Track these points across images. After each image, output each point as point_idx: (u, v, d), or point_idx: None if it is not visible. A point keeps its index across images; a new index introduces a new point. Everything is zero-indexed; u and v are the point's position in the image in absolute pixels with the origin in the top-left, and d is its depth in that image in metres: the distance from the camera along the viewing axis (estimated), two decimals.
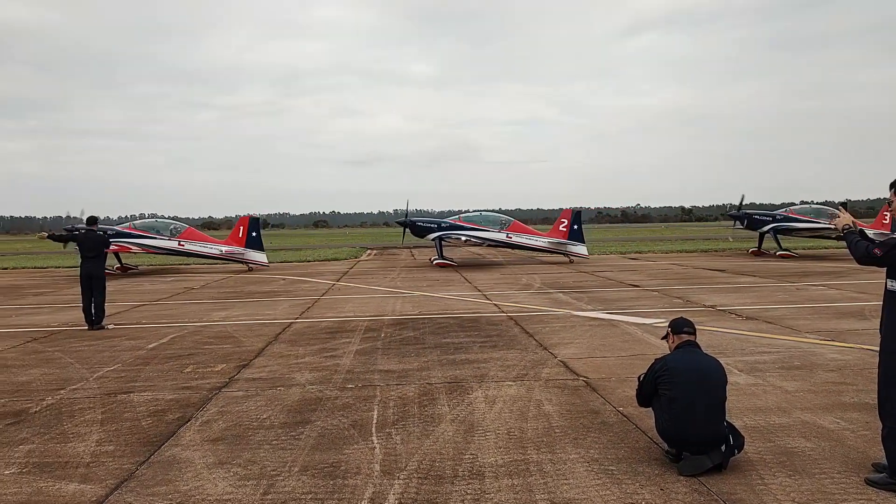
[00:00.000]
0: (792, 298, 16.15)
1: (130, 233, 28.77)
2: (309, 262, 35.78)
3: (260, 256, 29.62)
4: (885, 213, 32.52)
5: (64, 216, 32.08)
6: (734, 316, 13.39)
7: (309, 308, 16.08)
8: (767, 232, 32.79)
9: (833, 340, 10.56)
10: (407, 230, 30.90)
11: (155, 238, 29.00)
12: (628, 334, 11.55)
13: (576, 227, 30.57)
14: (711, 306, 14.84)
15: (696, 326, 6.04)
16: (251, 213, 30.53)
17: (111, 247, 16.58)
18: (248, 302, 17.84)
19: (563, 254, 30.89)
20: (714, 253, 36.28)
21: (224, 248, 29.55)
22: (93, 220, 14.75)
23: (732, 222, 34.75)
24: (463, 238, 30.27)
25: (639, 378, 5.90)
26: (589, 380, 8.36)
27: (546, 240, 31.06)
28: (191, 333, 12.59)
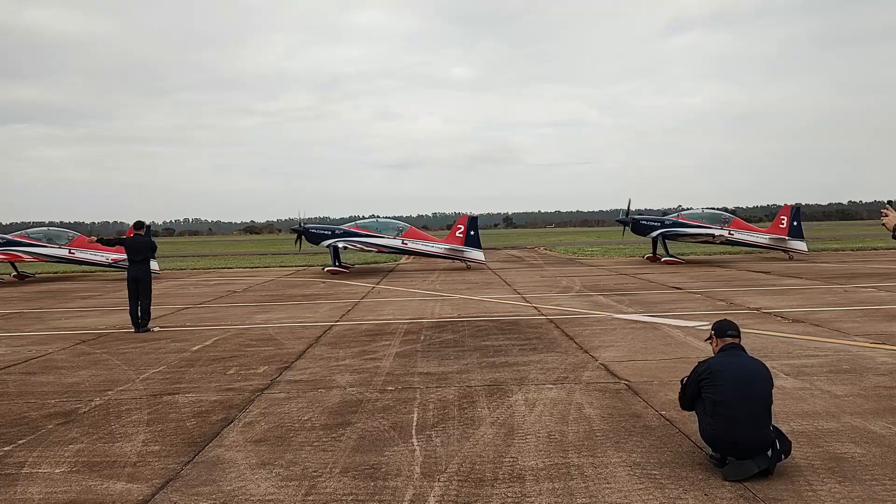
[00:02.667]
0: (840, 301, 15.75)
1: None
2: (352, 264, 36.03)
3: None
4: (781, 217, 31.68)
5: (192, 219, 33.05)
6: (780, 319, 13.11)
7: (349, 311, 16.20)
8: (657, 237, 31.54)
9: (884, 344, 10.27)
10: (302, 237, 30.41)
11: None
12: (670, 337, 11.39)
13: (472, 233, 30.26)
14: (756, 309, 14.56)
15: (741, 329, 5.93)
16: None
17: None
18: (289, 305, 18.04)
19: (461, 260, 30.48)
20: (759, 255, 35.58)
21: (445, 246, 30.36)
22: (140, 225, 15.08)
23: (622, 228, 33.53)
24: (357, 246, 29.71)
25: (682, 381, 5.82)
26: (630, 383, 8.26)
27: (443, 246, 30.72)
28: (234, 336, 12.77)
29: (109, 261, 30.04)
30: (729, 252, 35.22)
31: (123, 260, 29.50)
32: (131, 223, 15.23)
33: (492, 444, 6.13)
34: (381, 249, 30.97)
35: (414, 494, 5.05)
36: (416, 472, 5.49)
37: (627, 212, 33.02)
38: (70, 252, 30.14)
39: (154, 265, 29.35)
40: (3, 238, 29.61)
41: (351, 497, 5.03)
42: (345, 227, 31.10)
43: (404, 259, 34.71)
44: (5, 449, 6.35)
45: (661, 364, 9.31)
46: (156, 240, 16.88)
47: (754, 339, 10.65)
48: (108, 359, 10.77)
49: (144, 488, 5.32)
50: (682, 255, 33.07)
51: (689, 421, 6.22)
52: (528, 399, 7.62)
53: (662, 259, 30.47)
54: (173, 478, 5.53)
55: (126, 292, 14.12)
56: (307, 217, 32.53)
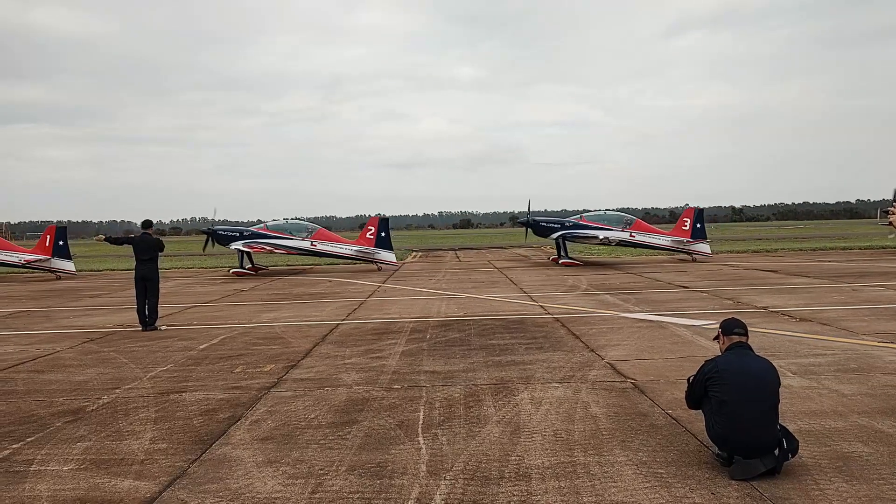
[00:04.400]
0: (848, 299, 15.68)
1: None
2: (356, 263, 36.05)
3: (389, 256, 29.94)
4: (684, 219, 31.40)
5: (199, 218, 33.07)
6: (787, 317, 13.07)
7: (355, 310, 16.22)
8: (558, 238, 31.12)
9: (892, 343, 10.22)
10: (211, 239, 30.24)
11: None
12: (677, 336, 11.36)
13: (383, 234, 30.13)
14: (763, 307, 14.52)
15: (748, 328, 5.91)
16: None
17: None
18: (295, 303, 18.08)
19: (371, 262, 30.30)
20: (766, 254, 35.48)
21: (355, 248, 30.15)
22: (147, 224, 15.12)
23: (524, 230, 33.19)
24: (265, 248, 29.38)
25: (688, 380, 5.81)
26: (637, 382, 8.25)
27: (353, 248, 30.52)
28: (240, 334, 12.81)
29: (22, 262, 30.22)
30: (639, 254, 34.74)
31: (37, 261, 29.78)
32: (139, 222, 15.27)
33: (498, 443, 6.13)
34: (290, 251, 30.50)
35: (420, 492, 5.05)
36: (423, 471, 5.49)
37: (528, 213, 32.59)
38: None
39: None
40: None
41: (357, 495, 5.04)
42: (254, 228, 30.74)
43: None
44: (14, 447, 6.38)
45: (668, 363, 9.29)
46: (164, 238, 16.91)
47: (761, 337, 10.62)
48: (116, 357, 10.81)
49: (152, 486, 5.34)
50: (587, 256, 32.71)
51: (696, 420, 6.21)
52: (534, 398, 7.62)
53: (560, 262, 30.13)
54: (180, 475, 5.55)
55: (133, 291, 14.16)
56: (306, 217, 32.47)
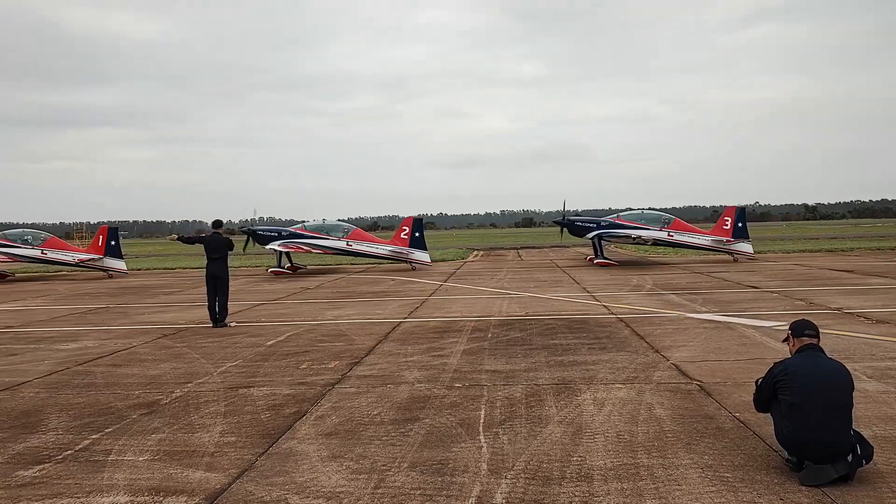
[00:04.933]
0: None
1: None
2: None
3: (423, 256, 30.24)
4: (725, 218, 30.08)
5: (247, 218, 33.85)
6: (863, 319, 12.59)
7: (417, 308, 16.35)
8: (594, 238, 30.26)
9: None
10: (250, 239, 30.40)
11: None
12: (745, 337, 11.08)
13: (417, 234, 29.84)
14: (837, 309, 14.02)
15: (821, 330, 5.74)
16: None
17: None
18: (359, 302, 18.34)
19: (406, 261, 30.08)
20: (841, 253, 34.21)
21: (389, 248, 30.51)
22: (218, 224, 15.57)
23: (560, 230, 32.64)
24: (302, 248, 29.46)
25: (756, 382, 5.67)
26: (703, 384, 8.09)
27: (388, 248, 30.30)
28: (306, 331, 13.07)
29: (76, 261, 31.25)
30: (676, 254, 33.97)
31: (90, 260, 30.73)
32: (210, 222, 15.73)
33: (559, 443, 6.10)
34: (326, 251, 30.77)
35: (481, 491, 5.08)
36: (484, 469, 5.52)
37: (563, 213, 32.24)
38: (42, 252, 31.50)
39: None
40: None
41: (419, 491, 5.10)
42: (292, 228, 31.09)
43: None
44: (93, 437, 6.68)
45: (736, 365, 9.08)
46: (233, 237, 17.37)
47: (835, 340, 10.26)
48: (188, 352, 11.18)
49: (221, 477, 5.52)
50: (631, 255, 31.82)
51: (765, 423, 6.05)
52: (596, 398, 7.55)
53: (595, 261, 29.57)
54: (248, 468, 5.72)
55: (205, 289, 14.61)
56: (324, 218, 32.65)
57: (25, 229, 35.56)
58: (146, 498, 5.13)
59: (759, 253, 35.55)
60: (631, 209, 32.74)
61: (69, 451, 6.26)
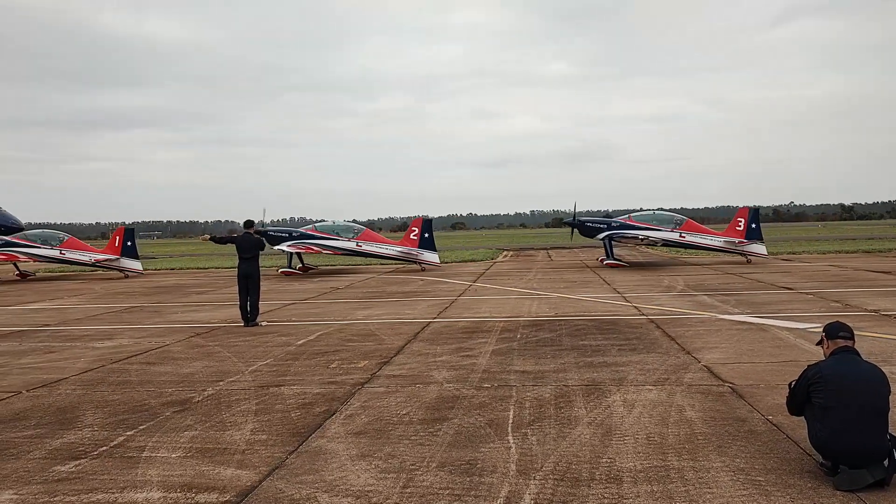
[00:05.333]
0: None
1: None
2: (447, 263, 36.38)
3: (432, 257, 30.36)
4: (738, 219, 29.45)
5: (297, 217, 34.65)
6: None
7: (446, 308, 16.37)
8: (604, 239, 29.93)
9: None
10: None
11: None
12: (779, 339, 10.92)
13: (426, 235, 29.70)
14: (874, 311, 13.74)
15: (856, 332, 5.63)
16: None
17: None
18: (388, 302, 18.41)
19: (415, 262, 29.99)
20: (878, 254, 33.52)
21: (398, 249, 30.65)
22: (249, 224, 15.76)
23: (570, 231, 32.35)
24: (312, 248, 29.45)
25: (790, 385, 5.58)
26: (735, 386, 7.99)
27: (397, 248, 30.20)
28: (336, 331, 13.16)
29: (93, 261, 31.70)
30: (708, 255, 33.38)
31: (107, 260, 31.09)
32: (241, 222, 15.92)
33: (589, 444, 6.07)
34: (336, 252, 30.77)
35: (510, 491, 5.07)
36: (512, 470, 5.51)
37: (574, 214, 32.10)
38: (61, 252, 32.12)
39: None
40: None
41: (447, 491, 5.11)
42: (302, 229, 31.20)
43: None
44: (128, 433, 6.80)
45: (769, 367, 8.95)
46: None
47: (871, 342, 10.07)
48: (220, 351, 11.33)
49: (252, 475, 5.59)
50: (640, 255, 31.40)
51: (799, 426, 5.96)
52: (626, 400, 7.50)
53: (604, 262, 29.38)
54: (279, 466, 5.78)
55: (236, 288, 14.78)
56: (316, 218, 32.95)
57: (45, 230, 36.30)
58: (178, 494, 5.21)
59: (793, 254, 35.03)
60: (643, 209, 32.66)
61: (104, 448, 6.38)
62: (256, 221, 32.93)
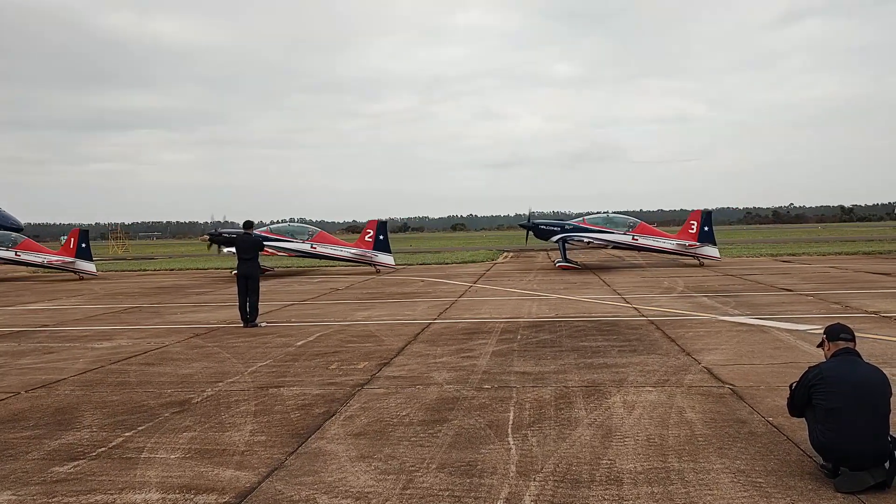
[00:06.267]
0: None
1: None
2: (447, 264, 36.38)
3: (387, 259, 30.36)
4: (690, 221, 29.60)
5: (297, 218, 34.51)
6: None
7: (447, 309, 16.36)
8: (558, 241, 30.16)
9: None
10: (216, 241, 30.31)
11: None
12: (779, 341, 10.90)
13: (381, 237, 29.75)
14: (875, 312, 13.73)
15: (857, 334, 5.62)
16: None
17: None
18: (388, 303, 18.40)
19: (370, 264, 29.99)
20: (879, 256, 33.52)
21: (353, 251, 30.56)
22: (249, 225, 15.76)
23: (525, 233, 32.66)
24: (269, 251, 28.90)
25: (790, 387, 5.57)
26: (735, 387, 7.97)
27: (352, 250, 30.19)
28: (336, 332, 13.15)
29: (46, 262, 31.44)
30: (645, 258, 33.62)
31: (61, 262, 30.81)
32: (241, 223, 15.91)
33: (589, 446, 6.06)
34: (291, 253, 30.61)
35: (509, 493, 5.06)
36: (512, 471, 5.50)
37: (529, 217, 32.46)
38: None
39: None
40: None
41: (447, 493, 5.10)
42: (257, 231, 30.89)
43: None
44: (126, 434, 6.78)
45: (769, 368, 8.93)
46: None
47: (872, 344, 10.05)
48: (219, 352, 11.31)
49: (251, 476, 5.57)
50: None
51: (799, 428, 5.95)
52: (626, 401, 7.48)
53: (557, 264, 29.53)
54: (278, 467, 5.76)
55: (236, 289, 14.76)
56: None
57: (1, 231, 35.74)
58: (177, 495, 5.19)
59: (793, 255, 35.04)
60: (596, 212, 33.00)
61: (103, 448, 6.36)
62: (211, 221, 33.00)
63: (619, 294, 18.82)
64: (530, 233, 31.96)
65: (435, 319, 14.60)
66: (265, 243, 29.37)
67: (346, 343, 11.84)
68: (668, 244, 30.31)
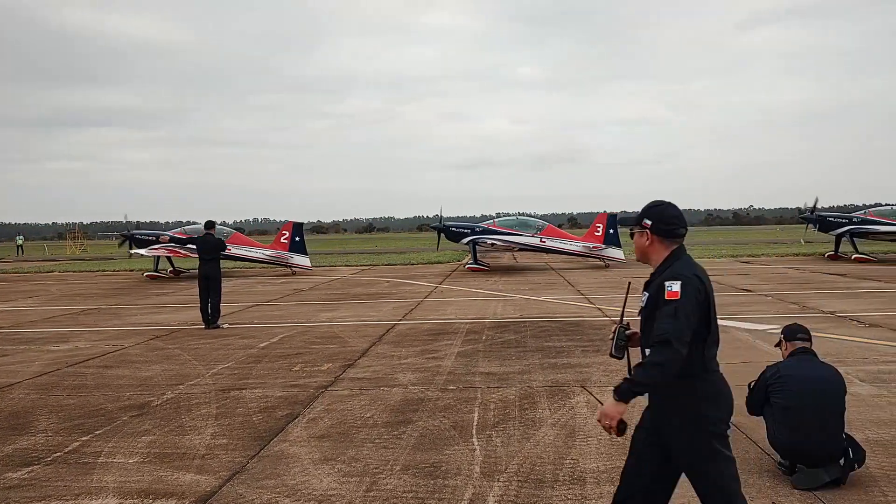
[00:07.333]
0: None
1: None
2: (413, 264, 36.30)
3: (303, 260, 30.34)
4: (596, 224, 30.54)
5: (261, 219, 34.13)
6: (856, 323, 12.61)
7: (412, 310, 16.32)
8: (468, 243, 30.83)
9: None
10: (130, 242, 30.49)
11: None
12: (738, 341, 11.09)
13: (297, 238, 30.01)
14: (830, 312, 14.04)
15: (814, 333, 5.74)
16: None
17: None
18: (353, 304, 18.30)
19: (286, 265, 30.23)
20: (863, 256, 34.23)
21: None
22: (210, 225, 15.53)
23: (437, 235, 33.00)
24: (180, 252, 28.99)
25: (749, 385, 5.66)
26: None
27: (268, 252, 30.36)
28: (299, 333, 13.03)
29: (268, 256, 30.91)
30: (555, 260, 33.93)
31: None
32: (202, 223, 15.70)
33: (552, 446, 6.09)
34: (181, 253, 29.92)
35: (473, 494, 5.06)
36: (476, 472, 5.50)
37: (440, 219, 32.83)
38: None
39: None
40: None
41: (411, 494, 5.08)
42: (170, 232, 30.98)
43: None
44: (83, 439, 6.64)
45: (729, 367, 9.01)
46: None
47: (828, 343, 10.27)
48: (180, 354, 11.13)
49: (212, 480, 5.49)
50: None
51: (757, 426, 6.04)
52: (590, 401, 7.54)
53: (468, 266, 29.99)
54: (240, 471, 5.68)
55: (197, 290, 14.55)
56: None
57: None
58: (136, 500, 5.09)
59: (752, 257, 35.66)
60: (479, 214, 33.46)
61: (58, 453, 6.22)
62: (125, 221, 32.58)
63: (582, 295, 18.97)
64: (442, 235, 32.05)
65: (400, 320, 14.56)
66: (176, 245, 29.19)
67: (310, 344, 11.74)
68: (575, 246, 30.87)
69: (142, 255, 29.33)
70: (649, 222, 3.64)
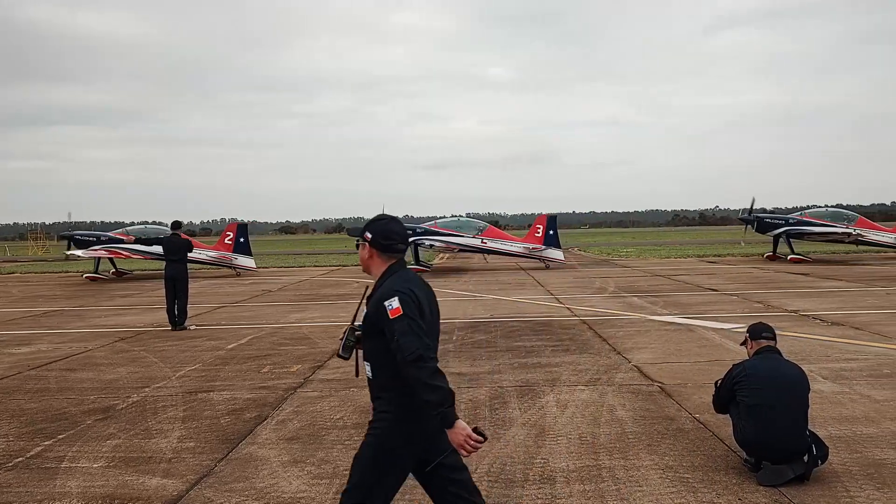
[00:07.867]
0: (882, 303, 15.40)
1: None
2: None
3: (248, 261, 30.20)
4: (537, 226, 31.27)
5: (228, 218, 33.68)
6: (818, 321, 12.85)
7: None
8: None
9: None
10: (71, 242, 30.31)
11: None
12: (705, 339, 11.24)
13: (242, 239, 30.20)
14: (794, 311, 14.30)
15: (778, 332, 5.83)
16: (239, 219, 31.06)
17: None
18: (323, 304, 18.18)
19: (229, 266, 30.34)
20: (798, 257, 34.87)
21: (214, 253, 30.12)
22: (177, 225, 15.35)
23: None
24: (124, 254, 29.40)
25: (716, 384, 5.74)
26: (664, 385, 8.17)
27: (213, 253, 30.44)
28: (268, 335, 12.91)
29: (213, 257, 30.59)
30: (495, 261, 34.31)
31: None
32: (169, 223, 15.49)
33: (523, 445, 6.11)
34: (146, 256, 29.75)
35: None
36: None
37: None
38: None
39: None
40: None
41: None
42: (112, 233, 30.88)
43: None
44: (46, 443, 6.50)
45: (696, 366, 9.19)
46: (194, 238, 17.13)
47: (792, 342, 10.46)
48: (146, 356, 10.96)
49: (179, 484, 5.41)
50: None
51: (724, 424, 6.13)
52: (559, 400, 7.58)
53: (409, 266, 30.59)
54: (207, 474, 5.61)
55: (163, 291, 14.35)
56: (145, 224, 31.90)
57: None
58: None
59: (718, 257, 36.18)
60: (449, 215, 33.69)
61: (20, 459, 6.08)
62: (67, 221, 32.11)
63: (552, 294, 19.08)
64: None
65: None
66: (120, 246, 28.82)
67: (278, 346, 11.64)
68: (515, 247, 31.15)
69: (78, 256, 28.82)
70: (370, 236, 3.67)
